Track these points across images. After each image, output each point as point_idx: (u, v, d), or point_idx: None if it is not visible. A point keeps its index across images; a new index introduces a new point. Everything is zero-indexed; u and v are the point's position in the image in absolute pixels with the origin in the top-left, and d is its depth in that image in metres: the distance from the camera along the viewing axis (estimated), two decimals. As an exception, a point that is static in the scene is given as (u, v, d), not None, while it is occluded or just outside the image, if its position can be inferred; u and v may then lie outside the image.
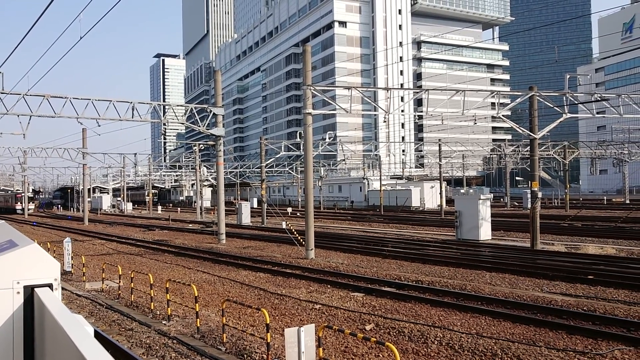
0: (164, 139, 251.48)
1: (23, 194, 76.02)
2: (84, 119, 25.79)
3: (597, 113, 26.60)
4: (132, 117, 25.99)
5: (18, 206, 76.67)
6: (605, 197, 67.00)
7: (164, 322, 11.83)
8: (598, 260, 18.70)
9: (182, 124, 30.04)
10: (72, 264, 20.02)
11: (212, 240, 30.51)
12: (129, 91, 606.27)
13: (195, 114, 29.05)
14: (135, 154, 67.07)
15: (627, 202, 60.16)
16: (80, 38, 15.36)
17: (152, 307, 12.94)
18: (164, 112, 28.98)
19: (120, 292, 15.27)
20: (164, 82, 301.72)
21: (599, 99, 26.00)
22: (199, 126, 28.53)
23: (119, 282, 15.78)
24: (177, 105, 30.01)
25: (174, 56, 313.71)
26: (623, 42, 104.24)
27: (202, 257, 23.52)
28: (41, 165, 70.82)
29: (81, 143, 47.95)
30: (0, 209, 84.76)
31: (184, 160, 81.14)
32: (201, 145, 52.43)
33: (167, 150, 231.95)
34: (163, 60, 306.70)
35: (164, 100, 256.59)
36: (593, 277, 15.46)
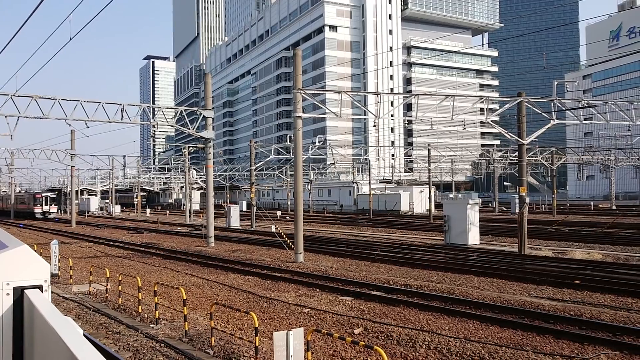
0: (153, 141, 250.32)
1: (44, 194, 63.35)
2: (73, 121, 25.66)
3: (585, 119, 26.91)
4: (122, 119, 25.88)
5: (37, 209, 62.52)
6: (592, 203, 67.55)
7: (151, 325, 11.77)
8: (585, 265, 18.87)
9: (172, 126, 29.95)
10: (59, 267, 19.86)
11: (200, 243, 30.39)
12: (118, 93, 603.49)
13: (185, 116, 28.97)
14: (124, 156, 66.67)
15: (614, 207, 60.74)
16: (70, 39, 15.28)
17: (140, 311, 12.87)
18: (154, 115, 28.88)
19: (107, 295, 15.17)
20: (153, 84, 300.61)
21: (586, 105, 26.29)
22: (189, 129, 28.45)
23: (107, 285, 15.68)
24: (167, 108, 29.89)
25: (164, 58, 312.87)
26: (610, 49, 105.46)
27: (190, 260, 23.42)
28: (28, 167, 70.49)
29: (69, 144, 47.61)
30: (16, 213, 69.68)
31: (173, 162, 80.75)
32: (191, 148, 52.26)
33: (157, 153, 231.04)
34: (153, 62, 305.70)
35: (153, 103, 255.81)
36: (580, 282, 15.59)
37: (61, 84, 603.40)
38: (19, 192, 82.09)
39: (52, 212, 63.75)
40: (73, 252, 27.10)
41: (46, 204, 62.80)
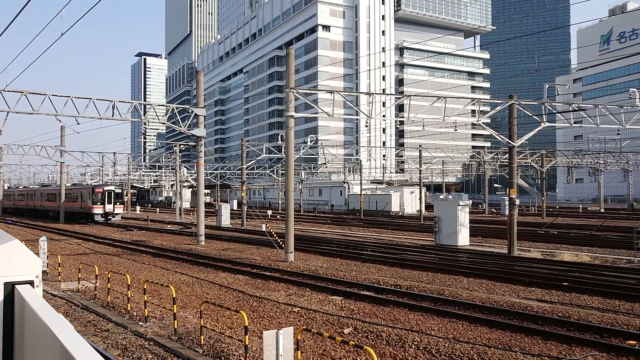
0: (144, 138, 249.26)
1: (107, 188, 46.77)
2: (63, 117, 25.49)
3: (575, 123, 27.09)
4: (112, 116, 25.73)
5: (97, 209, 45.82)
6: (580, 206, 68.12)
7: (140, 323, 11.71)
8: (573, 268, 19.00)
9: (163, 123, 29.82)
10: (47, 264, 19.71)
11: (191, 241, 30.28)
12: (109, 89, 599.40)
13: (177, 114, 28.86)
14: (115, 153, 66.42)
15: (602, 210, 61.22)
16: (62, 34, 15.18)
17: (129, 308, 12.80)
18: (145, 112, 28.78)
19: (96, 292, 15.08)
20: (145, 81, 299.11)
21: (577, 108, 26.47)
22: (180, 126, 28.34)
23: (96, 282, 15.58)
24: (158, 105, 29.78)
25: (156, 55, 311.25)
26: (601, 53, 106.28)
27: (180, 258, 23.34)
28: (17, 163, 69.49)
29: (59, 141, 47.26)
30: (70, 213, 50.93)
31: (164, 160, 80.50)
32: (182, 146, 52.06)
33: (147, 150, 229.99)
34: (145, 59, 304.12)
35: (144, 100, 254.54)
36: (568, 283, 15.71)
37: (51, 80, 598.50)
38: (57, 184, 66.74)
39: (117, 214, 47.60)
40: (62, 249, 26.92)
41: (109, 202, 46.22)
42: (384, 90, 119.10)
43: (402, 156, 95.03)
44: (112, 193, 46.73)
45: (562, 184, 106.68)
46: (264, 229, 27.66)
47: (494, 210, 60.24)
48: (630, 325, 11.08)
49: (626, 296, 14.02)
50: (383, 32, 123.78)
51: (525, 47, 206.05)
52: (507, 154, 27.05)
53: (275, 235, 24.91)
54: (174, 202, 66.43)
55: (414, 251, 24.68)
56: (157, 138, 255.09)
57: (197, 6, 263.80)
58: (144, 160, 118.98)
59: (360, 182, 58.78)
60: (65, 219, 50.09)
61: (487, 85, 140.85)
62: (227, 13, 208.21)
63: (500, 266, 19.71)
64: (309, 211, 66.98)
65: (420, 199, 50.12)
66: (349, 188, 68.80)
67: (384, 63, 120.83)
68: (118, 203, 47.27)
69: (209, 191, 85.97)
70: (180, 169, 54.71)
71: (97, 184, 51.91)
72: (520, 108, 24.34)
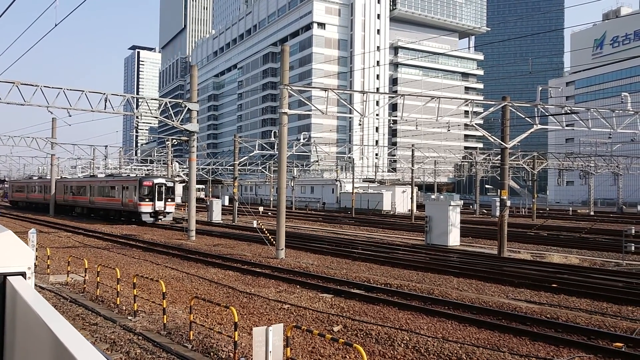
0: (136, 132, 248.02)
1: (156, 181, 38.57)
2: (55, 109, 25.29)
3: (567, 125, 27.24)
4: (105, 109, 25.58)
5: (145, 207, 37.85)
6: (570, 208, 68.52)
7: (129, 317, 11.67)
8: (562, 269, 19.12)
9: (156, 117, 29.68)
10: (36, 256, 19.58)
11: (181, 236, 30.20)
12: (102, 82, 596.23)
13: (170, 108, 28.74)
14: (106, 146, 65.83)
15: (592, 213, 61.61)
16: (55, 25, 15.06)
17: (118, 302, 12.75)
18: (138, 105, 28.64)
19: (85, 286, 15.01)
20: (138, 74, 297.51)
21: (569, 111, 26.64)
22: (173, 121, 28.22)
23: (85, 275, 15.49)
24: (151, 99, 29.61)
25: (150, 49, 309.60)
26: (594, 57, 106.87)
27: (171, 253, 23.27)
28: (7, 154, 68.71)
29: (50, 133, 46.94)
30: (105, 210, 44.01)
31: (155, 154, 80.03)
32: (174, 141, 51.80)
33: (139, 144, 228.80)
34: (138, 52, 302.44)
35: (137, 93, 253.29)
36: (557, 285, 15.81)
37: (44, 71, 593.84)
38: (88, 175, 56.25)
39: (169, 213, 39.56)
40: (51, 242, 26.75)
41: (159, 199, 38.28)
42: (377, 89, 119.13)
43: (394, 155, 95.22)
44: (163, 187, 38.65)
45: (552, 186, 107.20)
46: (255, 225, 27.65)
47: (485, 211, 60.47)
48: (617, 327, 11.18)
49: (614, 299, 14.14)
50: (378, 31, 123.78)
51: (519, 49, 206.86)
52: (499, 155, 27.16)
53: (266, 232, 24.90)
54: (165, 197, 65.95)
55: (405, 250, 24.75)
56: (149, 132, 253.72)
57: (192, 0, 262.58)
58: (136, 154, 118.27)
59: (352, 181, 58.83)
60: (99, 218, 44.32)
61: (481, 86, 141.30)
62: (222, 8, 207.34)
63: (490, 267, 19.80)
64: (301, 208, 66.99)
65: (411, 198, 50.25)
66: (341, 186, 68.86)
67: (378, 62, 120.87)
68: (169, 200, 39.11)
69: (201, 186, 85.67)
70: (172, 164, 54.50)
71: (144, 175, 41.88)
72: (513, 110, 24.43)
